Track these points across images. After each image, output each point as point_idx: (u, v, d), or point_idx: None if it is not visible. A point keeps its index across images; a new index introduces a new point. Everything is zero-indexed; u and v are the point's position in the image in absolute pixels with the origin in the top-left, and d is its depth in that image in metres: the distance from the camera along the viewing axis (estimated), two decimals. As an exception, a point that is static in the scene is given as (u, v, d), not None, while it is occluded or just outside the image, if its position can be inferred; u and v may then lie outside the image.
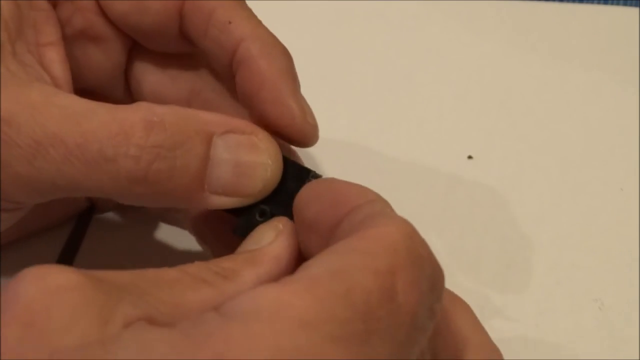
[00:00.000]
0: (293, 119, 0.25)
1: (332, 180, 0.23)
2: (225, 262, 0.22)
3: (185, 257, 0.32)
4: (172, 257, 0.32)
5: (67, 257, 0.32)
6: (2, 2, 0.26)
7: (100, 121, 0.23)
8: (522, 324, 0.29)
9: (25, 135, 0.23)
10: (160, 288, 0.19)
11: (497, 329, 0.29)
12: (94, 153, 0.22)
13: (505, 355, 0.28)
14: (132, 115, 0.23)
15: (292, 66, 0.26)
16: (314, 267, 0.18)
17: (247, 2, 0.28)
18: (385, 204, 0.22)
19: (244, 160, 0.24)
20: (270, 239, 0.23)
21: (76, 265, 0.32)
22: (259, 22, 0.27)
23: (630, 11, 0.46)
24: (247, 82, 0.26)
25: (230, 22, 0.26)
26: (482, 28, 0.45)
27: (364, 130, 0.38)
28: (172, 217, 0.33)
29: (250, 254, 0.23)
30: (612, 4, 0.46)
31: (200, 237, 0.30)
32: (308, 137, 0.26)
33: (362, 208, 0.21)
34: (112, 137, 0.22)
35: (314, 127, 0.26)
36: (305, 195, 0.23)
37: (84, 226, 0.33)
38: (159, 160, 0.23)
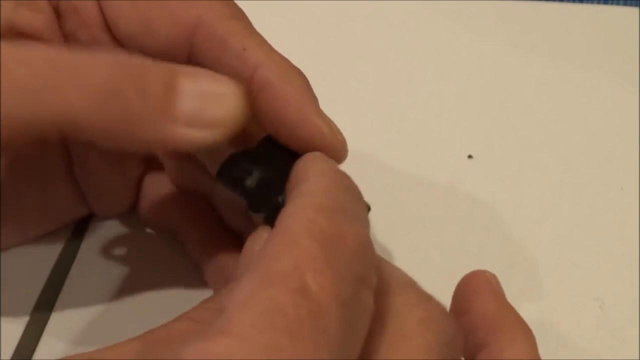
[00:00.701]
0: (324, 137, 0.26)
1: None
2: (226, 297, 0.21)
3: (182, 264, 0.32)
4: (169, 265, 0.32)
5: (64, 265, 0.32)
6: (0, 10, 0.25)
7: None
8: (522, 323, 0.29)
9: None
10: (171, 347, 0.19)
11: (497, 329, 0.29)
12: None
13: (505, 355, 0.28)
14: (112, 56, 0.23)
15: (310, 86, 0.26)
16: (229, 302, 0.18)
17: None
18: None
19: (209, 89, 0.24)
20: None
21: (73, 272, 0.32)
22: (271, 46, 0.27)
23: (630, 11, 0.46)
24: (271, 108, 0.26)
25: (244, 49, 0.26)
26: (482, 28, 0.45)
27: (363, 130, 0.38)
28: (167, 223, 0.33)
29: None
30: (612, 4, 0.46)
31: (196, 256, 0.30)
32: (340, 153, 0.26)
33: (294, 191, 0.22)
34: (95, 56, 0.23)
35: (344, 143, 0.26)
36: None
37: (81, 233, 0.33)
38: (128, 80, 0.23)
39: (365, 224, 0.22)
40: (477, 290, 0.24)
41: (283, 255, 0.18)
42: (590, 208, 0.34)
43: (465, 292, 0.24)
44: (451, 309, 0.24)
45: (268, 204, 0.25)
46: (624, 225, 0.33)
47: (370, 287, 0.19)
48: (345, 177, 0.23)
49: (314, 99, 0.26)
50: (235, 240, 0.30)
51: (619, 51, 0.43)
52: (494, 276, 0.25)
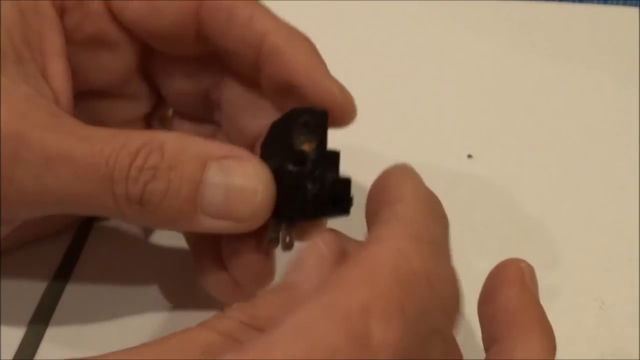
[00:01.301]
0: (334, 97, 0.26)
1: (398, 170, 0.23)
2: (260, 309, 0.20)
3: (187, 263, 0.32)
4: (174, 264, 0.32)
5: (67, 265, 0.32)
6: (6, 7, 0.25)
7: (111, 142, 0.23)
8: (522, 323, 0.29)
9: (37, 151, 0.23)
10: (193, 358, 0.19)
11: (497, 329, 0.29)
12: (101, 174, 0.23)
13: (505, 355, 0.28)
14: (136, 140, 0.24)
15: (317, 51, 0.27)
16: (281, 322, 0.16)
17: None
18: (413, 203, 0.21)
19: (235, 184, 0.24)
20: (312, 265, 0.22)
21: (75, 275, 0.32)
22: (276, 15, 0.27)
23: (630, 11, 0.46)
24: (281, 72, 0.26)
25: (251, 18, 0.27)
26: (482, 28, 0.45)
27: (363, 129, 0.38)
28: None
29: (288, 292, 0.21)
30: (612, 4, 0.46)
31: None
32: (350, 113, 0.27)
33: (387, 209, 0.21)
34: (119, 159, 0.23)
35: (353, 103, 0.27)
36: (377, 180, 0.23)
37: (85, 233, 0.33)
38: (154, 181, 0.23)
39: (451, 260, 0.21)
40: (506, 281, 0.23)
41: (356, 288, 0.17)
42: (589, 208, 0.34)
43: (494, 281, 0.23)
44: (480, 295, 0.23)
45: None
46: (623, 225, 0.33)
47: (445, 340, 0.18)
48: (439, 204, 0.22)
49: (322, 63, 0.27)
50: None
51: (619, 51, 0.43)
52: (529, 267, 0.23)
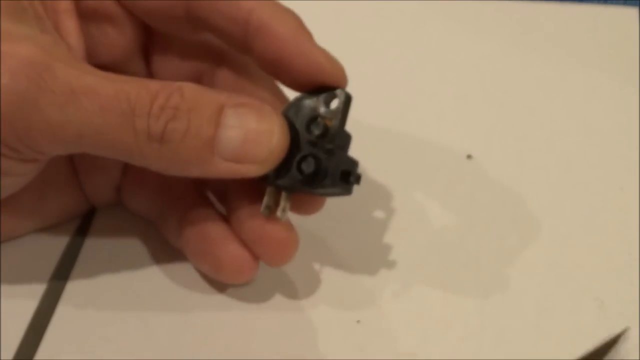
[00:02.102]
0: (323, 67, 0.27)
1: None
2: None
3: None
4: (176, 259, 0.32)
5: (67, 264, 0.32)
6: None
7: (131, 83, 0.25)
8: (522, 323, 0.29)
9: (62, 82, 0.24)
10: None
11: (496, 329, 0.29)
12: (123, 108, 0.24)
13: (505, 355, 0.28)
14: (157, 83, 0.25)
15: (304, 24, 0.28)
16: None
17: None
18: None
19: (251, 127, 0.26)
20: None
21: (76, 271, 0.32)
22: None
23: (630, 11, 0.46)
24: (269, 46, 0.27)
25: None
26: (482, 28, 0.45)
27: (363, 129, 0.38)
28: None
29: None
30: (612, 3, 0.46)
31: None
32: (341, 80, 0.28)
33: None
34: (140, 97, 0.24)
35: (342, 69, 0.28)
36: None
37: (85, 234, 0.33)
38: (175, 120, 0.25)
39: None
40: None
41: None
42: (589, 208, 0.34)
43: None
44: None
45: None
46: (623, 225, 0.33)
47: None
48: None
49: (309, 34, 0.28)
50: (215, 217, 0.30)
51: (619, 51, 0.43)
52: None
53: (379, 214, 0.34)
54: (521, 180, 0.36)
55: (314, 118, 0.27)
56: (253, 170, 0.26)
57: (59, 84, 0.24)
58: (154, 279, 0.32)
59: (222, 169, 0.26)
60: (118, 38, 0.30)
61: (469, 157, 0.37)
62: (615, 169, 0.36)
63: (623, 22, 0.45)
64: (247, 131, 0.25)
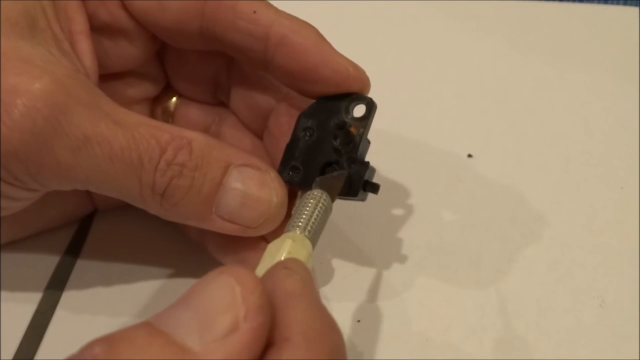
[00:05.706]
0: (347, 71, 0.27)
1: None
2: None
3: (187, 254, 0.32)
4: (174, 261, 0.32)
5: (67, 264, 0.32)
6: None
7: (142, 130, 0.25)
8: (522, 322, 0.29)
9: (77, 127, 0.24)
10: None
11: (497, 328, 0.29)
12: (133, 158, 0.25)
13: (505, 355, 0.28)
14: (164, 133, 0.25)
15: (321, 33, 0.28)
16: None
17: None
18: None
19: (252, 193, 0.26)
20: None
21: (75, 272, 0.32)
22: (276, 7, 0.28)
23: (630, 11, 0.46)
24: (292, 58, 0.27)
25: (255, 12, 0.28)
26: (482, 28, 0.45)
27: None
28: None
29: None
30: (612, 3, 0.46)
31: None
32: (365, 85, 0.28)
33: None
34: (150, 148, 0.25)
35: (365, 75, 0.28)
36: None
37: (84, 234, 0.33)
38: (180, 178, 0.25)
39: None
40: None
41: None
42: (590, 207, 0.34)
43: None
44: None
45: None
46: (623, 224, 0.33)
47: None
48: (332, 333, 0.22)
49: (329, 43, 0.28)
50: None
51: (619, 51, 0.43)
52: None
53: (379, 213, 0.34)
54: (522, 179, 0.36)
55: (341, 125, 0.27)
56: (248, 232, 0.27)
57: (74, 129, 0.24)
58: (153, 280, 0.32)
59: (219, 226, 0.26)
60: (131, 50, 0.30)
61: (469, 156, 0.37)
62: (616, 168, 0.36)
63: (623, 22, 0.45)
64: (247, 196, 0.26)
